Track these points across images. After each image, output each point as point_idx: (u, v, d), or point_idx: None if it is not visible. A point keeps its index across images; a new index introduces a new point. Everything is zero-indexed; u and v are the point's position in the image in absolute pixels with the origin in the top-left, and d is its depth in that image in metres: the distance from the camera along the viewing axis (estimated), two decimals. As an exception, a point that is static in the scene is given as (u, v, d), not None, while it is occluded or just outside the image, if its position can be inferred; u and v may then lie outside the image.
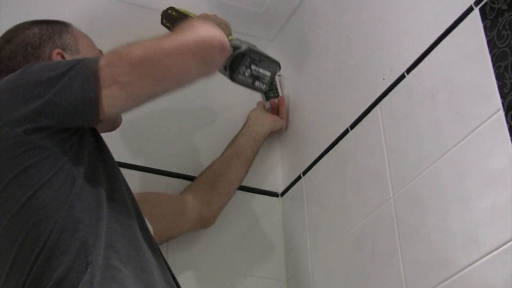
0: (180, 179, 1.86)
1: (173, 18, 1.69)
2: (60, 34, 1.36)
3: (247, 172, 1.89)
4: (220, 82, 2.08)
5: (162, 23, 1.73)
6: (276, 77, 2.09)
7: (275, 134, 2.04)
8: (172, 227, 1.66)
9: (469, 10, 1.41)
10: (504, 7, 1.33)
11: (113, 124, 1.46)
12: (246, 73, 1.45)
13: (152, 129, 1.93)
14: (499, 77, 1.31)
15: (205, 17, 1.54)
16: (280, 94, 2.08)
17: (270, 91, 2.09)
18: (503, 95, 1.29)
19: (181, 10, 1.70)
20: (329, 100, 1.88)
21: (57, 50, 1.32)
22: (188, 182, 1.86)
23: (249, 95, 2.11)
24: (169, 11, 1.72)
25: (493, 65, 1.33)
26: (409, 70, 1.56)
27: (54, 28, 1.37)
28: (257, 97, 2.12)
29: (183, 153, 1.93)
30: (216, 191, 1.78)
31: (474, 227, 1.31)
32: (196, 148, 1.96)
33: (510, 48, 1.29)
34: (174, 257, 1.72)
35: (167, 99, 1.92)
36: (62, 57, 1.32)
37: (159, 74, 1.17)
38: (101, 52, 1.43)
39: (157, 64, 1.16)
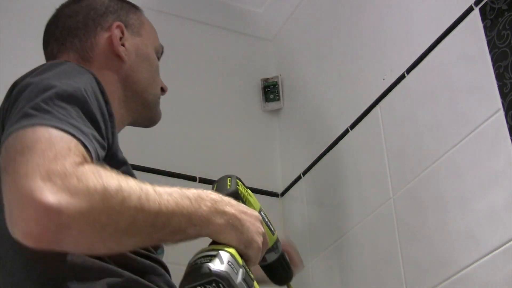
0: (180, 179, 1.86)
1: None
2: (128, 12, 1.33)
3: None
4: (220, 84, 2.09)
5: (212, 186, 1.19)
6: (279, 78, 2.09)
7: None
8: None
9: (469, 10, 1.42)
10: (504, 7, 1.33)
11: (151, 120, 1.39)
12: None
13: (152, 130, 1.92)
14: (499, 77, 1.31)
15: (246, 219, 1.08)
16: (281, 98, 2.07)
17: (271, 94, 2.09)
18: (503, 95, 1.29)
19: (240, 186, 1.20)
20: (329, 100, 1.88)
21: (118, 23, 1.29)
22: (188, 182, 1.86)
23: (249, 95, 2.11)
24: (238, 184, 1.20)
25: (493, 65, 1.33)
26: (409, 70, 1.56)
27: (124, 5, 1.34)
28: (256, 99, 2.12)
29: (183, 153, 1.93)
30: None
31: (474, 227, 1.31)
32: (196, 148, 1.96)
33: (510, 48, 1.29)
34: (174, 256, 1.72)
35: (167, 99, 1.93)
36: (122, 32, 1.28)
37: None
38: (162, 47, 1.39)
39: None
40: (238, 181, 1.19)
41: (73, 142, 0.90)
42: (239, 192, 1.17)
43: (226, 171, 1.93)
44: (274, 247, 1.21)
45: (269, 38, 2.22)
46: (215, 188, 1.17)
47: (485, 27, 1.37)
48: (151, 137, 1.91)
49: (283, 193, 2.00)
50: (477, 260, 1.29)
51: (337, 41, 1.89)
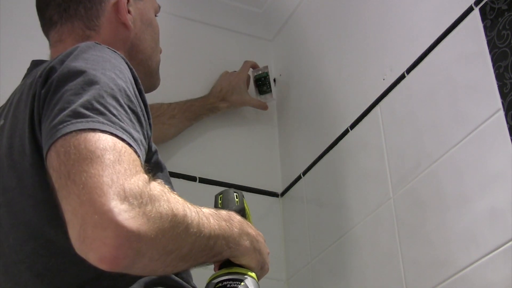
0: (180, 179, 1.86)
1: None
2: None
3: (181, 129, 1.92)
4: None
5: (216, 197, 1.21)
6: (268, 69, 2.07)
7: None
8: None
9: (469, 10, 1.42)
10: (504, 7, 1.33)
11: (152, 86, 1.36)
12: None
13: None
14: (499, 77, 1.31)
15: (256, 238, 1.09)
16: (273, 90, 2.06)
17: (264, 86, 2.07)
18: (503, 95, 1.29)
19: (245, 204, 1.22)
20: (329, 100, 1.88)
21: None
22: (188, 182, 1.86)
23: (250, 93, 2.10)
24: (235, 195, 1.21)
25: (493, 65, 1.33)
26: (409, 70, 1.56)
27: None
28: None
29: (183, 153, 1.93)
30: None
31: (474, 227, 1.31)
32: (196, 148, 1.96)
33: (510, 48, 1.29)
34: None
35: (167, 98, 1.93)
36: None
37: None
38: (159, 6, 1.36)
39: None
40: (243, 197, 1.20)
41: (133, 154, 0.88)
42: (245, 209, 1.18)
43: (226, 171, 1.95)
44: None
45: (269, 38, 2.22)
46: (221, 201, 1.16)
47: (485, 27, 1.37)
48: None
49: (283, 193, 2.00)
50: (477, 260, 1.29)
51: (337, 41, 1.89)
